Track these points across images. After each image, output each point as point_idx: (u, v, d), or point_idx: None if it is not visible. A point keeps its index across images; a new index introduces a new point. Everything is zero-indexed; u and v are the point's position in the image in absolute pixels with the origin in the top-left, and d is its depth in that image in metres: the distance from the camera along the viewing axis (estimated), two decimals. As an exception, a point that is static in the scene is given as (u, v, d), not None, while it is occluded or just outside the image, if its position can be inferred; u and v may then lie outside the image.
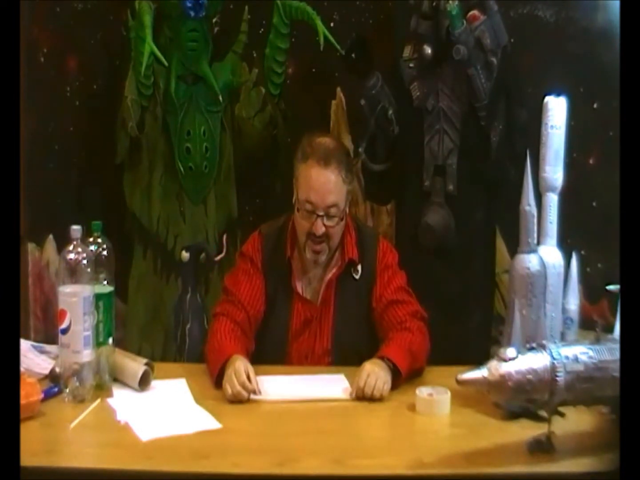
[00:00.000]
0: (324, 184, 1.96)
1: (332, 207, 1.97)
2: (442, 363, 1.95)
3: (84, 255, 1.76)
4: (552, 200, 1.90)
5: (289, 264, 2.05)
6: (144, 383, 1.83)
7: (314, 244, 2.00)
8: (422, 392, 1.76)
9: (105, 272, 1.86)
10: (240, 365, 1.80)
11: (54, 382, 1.81)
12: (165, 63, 2.52)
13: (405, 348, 1.91)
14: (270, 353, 2.03)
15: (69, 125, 2.90)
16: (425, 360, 1.98)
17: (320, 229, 1.97)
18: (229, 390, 1.77)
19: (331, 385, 1.88)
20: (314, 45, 2.52)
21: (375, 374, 1.80)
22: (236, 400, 1.77)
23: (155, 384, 1.87)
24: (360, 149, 2.49)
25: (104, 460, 1.52)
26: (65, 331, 1.74)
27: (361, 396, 1.79)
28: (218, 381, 1.84)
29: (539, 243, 1.83)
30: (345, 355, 2.03)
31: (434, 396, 1.76)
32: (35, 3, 2.81)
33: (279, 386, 1.86)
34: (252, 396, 1.78)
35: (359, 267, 2.07)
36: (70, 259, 1.75)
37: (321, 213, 1.96)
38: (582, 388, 1.46)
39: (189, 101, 2.67)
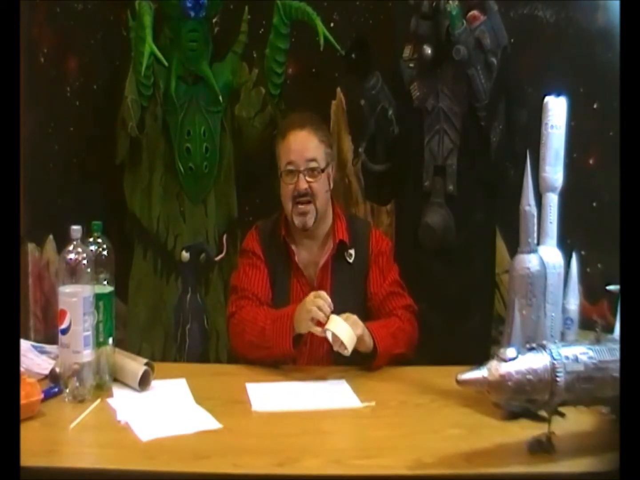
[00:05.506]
0: (301, 142, 2.09)
1: (311, 161, 2.08)
2: (442, 363, 1.95)
3: (84, 255, 1.76)
4: (552, 200, 1.90)
5: (285, 242, 2.13)
6: (144, 383, 1.83)
7: (300, 205, 2.07)
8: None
9: (105, 272, 1.85)
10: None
11: (54, 382, 1.81)
12: (165, 63, 2.51)
13: (389, 331, 1.98)
14: None
15: (69, 125, 2.89)
16: (406, 347, 2.03)
17: (302, 185, 2.07)
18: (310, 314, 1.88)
19: (336, 394, 1.85)
20: (314, 45, 2.51)
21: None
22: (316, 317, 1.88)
23: (155, 384, 1.87)
24: (360, 149, 2.49)
25: (104, 460, 1.52)
26: (65, 331, 1.74)
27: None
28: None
29: (539, 243, 1.83)
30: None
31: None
32: (35, 3, 2.81)
33: (284, 395, 1.84)
34: (254, 408, 1.77)
35: (352, 252, 2.14)
36: (70, 259, 1.75)
37: (302, 168, 2.07)
38: (582, 388, 1.46)
39: (189, 101, 2.67)
